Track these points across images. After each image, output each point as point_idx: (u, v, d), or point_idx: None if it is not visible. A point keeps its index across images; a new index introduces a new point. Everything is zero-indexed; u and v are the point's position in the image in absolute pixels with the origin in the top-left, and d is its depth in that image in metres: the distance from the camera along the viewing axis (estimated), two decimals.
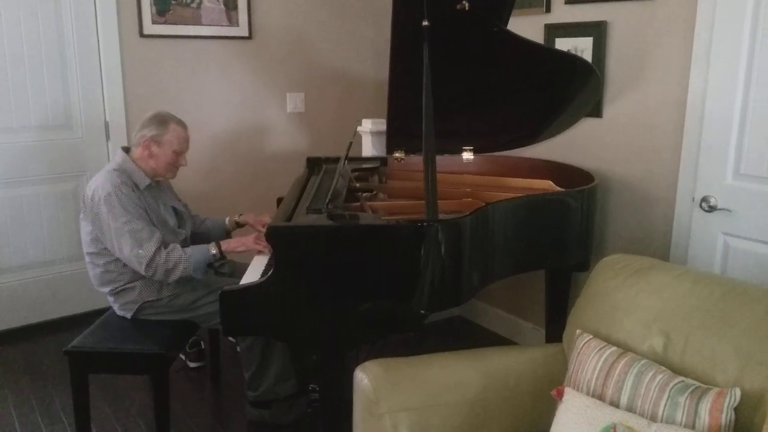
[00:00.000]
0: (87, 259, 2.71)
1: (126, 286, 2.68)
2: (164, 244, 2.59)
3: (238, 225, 3.08)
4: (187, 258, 2.58)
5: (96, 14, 3.70)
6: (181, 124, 2.72)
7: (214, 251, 2.66)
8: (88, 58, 3.75)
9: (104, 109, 3.83)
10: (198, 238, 2.99)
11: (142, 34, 3.82)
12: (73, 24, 3.67)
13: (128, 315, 2.70)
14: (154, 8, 3.82)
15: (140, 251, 2.53)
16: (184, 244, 2.78)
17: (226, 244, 2.69)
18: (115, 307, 2.74)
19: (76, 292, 3.90)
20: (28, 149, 3.68)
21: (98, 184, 2.60)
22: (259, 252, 2.62)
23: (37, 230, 3.79)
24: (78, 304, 3.92)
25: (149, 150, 2.65)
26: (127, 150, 2.73)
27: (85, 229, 2.66)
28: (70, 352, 2.52)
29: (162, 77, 3.94)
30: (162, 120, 2.67)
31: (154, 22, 3.84)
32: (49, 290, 3.87)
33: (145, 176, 2.68)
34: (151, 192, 2.72)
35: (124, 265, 2.63)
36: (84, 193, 2.66)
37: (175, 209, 2.85)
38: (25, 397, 3.08)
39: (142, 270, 2.56)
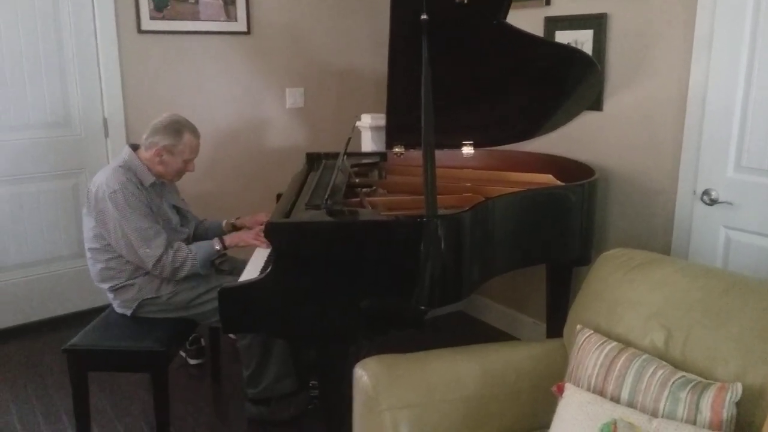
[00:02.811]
0: (88, 254, 2.71)
1: (126, 283, 2.67)
2: (170, 242, 2.59)
3: (235, 227, 3.07)
4: (194, 256, 2.62)
5: (93, 10, 3.69)
6: (194, 133, 2.71)
7: (218, 246, 2.71)
8: (86, 54, 3.73)
9: (103, 106, 3.82)
10: (196, 239, 2.99)
11: (140, 30, 3.80)
12: (70, 21, 3.66)
13: (128, 312, 2.70)
14: (151, 4, 3.80)
15: (147, 250, 2.54)
16: (187, 243, 2.77)
17: (228, 239, 2.75)
18: (115, 304, 2.74)
19: (75, 290, 3.89)
20: (27, 147, 3.67)
21: (103, 180, 2.59)
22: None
23: (37, 228, 3.78)
24: (77, 301, 3.91)
25: (160, 158, 2.66)
26: (134, 147, 2.72)
27: (88, 224, 2.66)
28: (69, 350, 2.52)
29: (160, 73, 3.92)
30: (177, 129, 2.66)
31: (152, 18, 3.82)
32: (49, 288, 3.86)
33: (150, 174, 2.67)
34: (156, 190, 2.72)
35: (126, 262, 2.64)
36: (88, 188, 2.65)
37: (177, 208, 2.85)
38: (26, 396, 3.08)
39: (149, 268, 2.58)
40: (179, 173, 2.76)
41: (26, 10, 3.54)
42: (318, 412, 2.83)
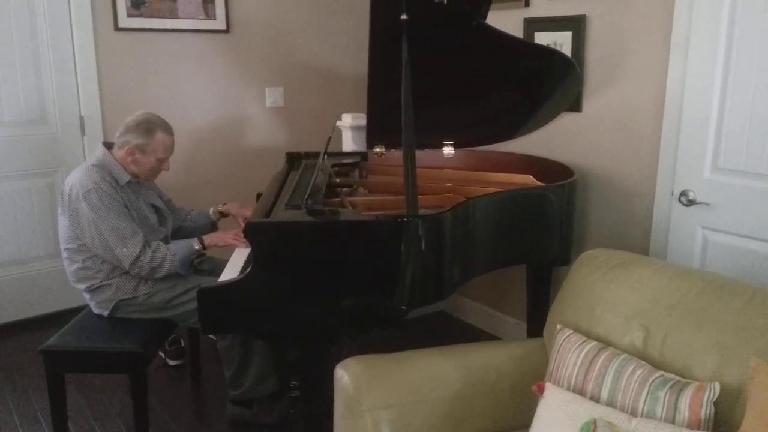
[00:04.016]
0: (64, 255, 2.68)
1: (102, 283, 2.64)
2: (147, 242, 2.56)
3: (222, 215, 3.07)
4: (173, 255, 2.60)
5: (69, 8, 3.64)
6: (167, 131, 2.68)
7: (197, 246, 2.70)
8: (62, 52, 3.68)
9: (79, 104, 3.78)
10: (183, 231, 2.98)
11: (117, 28, 3.76)
12: (46, 17, 3.61)
13: (105, 313, 2.67)
14: (128, 1, 3.76)
15: (124, 249, 2.52)
16: (165, 242, 2.75)
17: (208, 239, 2.74)
18: (92, 305, 2.71)
19: (52, 290, 3.84)
20: (1, 145, 3.61)
21: (77, 179, 2.56)
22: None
23: (12, 227, 3.73)
24: (54, 302, 3.87)
25: (133, 156, 2.63)
26: (108, 146, 2.69)
27: (63, 224, 2.62)
28: (45, 351, 2.48)
29: (138, 71, 3.89)
30: (148, 128, 2.62)
31: (129, 15, 3.78)
32: (25, 288, 3.81)
33: (126, 172, 2.64)
34: (132, 188, 2.69)
35: (102, 261, 2.61)
36: (62, 188, 2.62)
37: (155, 207, 2.82)
38: (2, 397, 3.03)
39: (126, 267, 2.55)
40: (154, 172, 2.72)
41: (0, 6, 3.48)
42: (301, 415, 2.82)
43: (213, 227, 3.07)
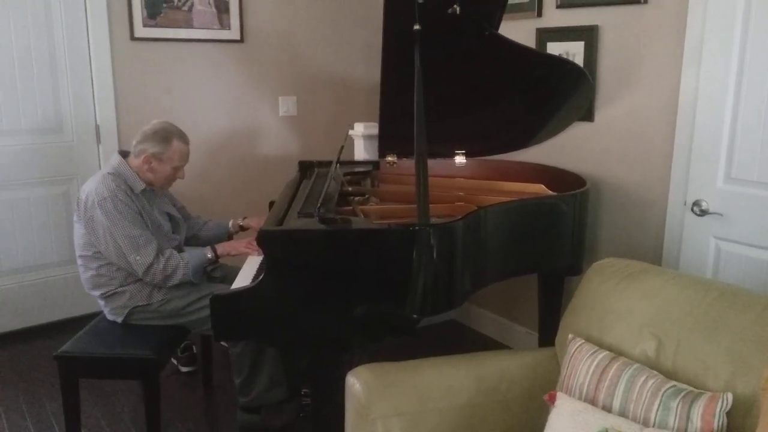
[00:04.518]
0: (79, 261, 2.70)
1: (117, 290, 2.67)
2: (160, 250, 2.59)
3: (242, 228, 3.09)
4: (186, 264, 2.63)
5: (86, 17, 3.69)
6: (183, 139, 2.71)
7: (210, 255, 2.73)
8: (78, 61, 3.73)
9: (95, 113, 3.81)
10: (199, 240, 3.00)
11: (133, 37, 3.80)
12: (63, 27, 3.66)
13: (119, 319, 2.69)
14: (145, 11, 3.80)
15: (138, 257, 2.54)
16: (178, 250, 2.77)
17: (221, 248, 2.77)
18: (106, 311, 2.73)
19: (66, 297, 3.88)
20: (18, 153, 3.66)
21: (93, 187, 2.59)
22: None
23: (28, 234, 3.77)
24: (69, 308, 3.90)
25: (149, 165, 2.66)
26: (124, 154, 2.72)
27: (79, 231, 2.65)
28: (60, 356, 2.50)
29: (153, 80, 3.92)
30: (165, 137, 2.66)
31: (145, 25, 3.82)
32: (40, 294, 3.84)
33: (140, 181, 2.67)
34: (146, 196, 2.72)
35: (117, 269, 2.63)
36: (78, 196, 2.65)
37: (170, 215, 2.84)
38: (16, 403, 3.06)
39: (140, 275, 2.58)
40: (169, 180, 2.75)
41: (19, 16, 3.53)
42: (309, 420, 2.82)
43: (229, 239, 3.09)
